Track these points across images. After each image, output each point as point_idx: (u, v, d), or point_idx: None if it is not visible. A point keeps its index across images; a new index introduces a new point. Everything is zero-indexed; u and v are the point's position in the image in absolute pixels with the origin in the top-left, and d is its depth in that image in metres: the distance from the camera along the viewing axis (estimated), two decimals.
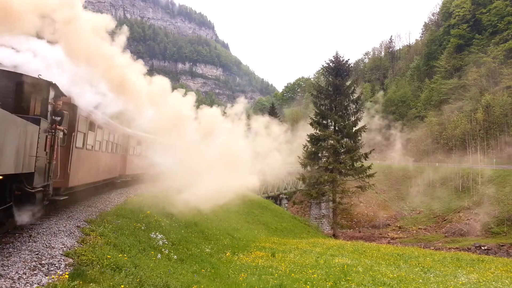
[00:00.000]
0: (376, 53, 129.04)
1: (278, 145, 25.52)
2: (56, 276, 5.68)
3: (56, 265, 6.18)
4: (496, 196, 49.45)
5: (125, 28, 13.30)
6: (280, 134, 26.21)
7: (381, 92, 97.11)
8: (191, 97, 19.11)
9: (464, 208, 50.94)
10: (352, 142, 39.20)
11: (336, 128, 39.73)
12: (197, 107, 19.91)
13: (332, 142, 38.62)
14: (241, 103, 25.09)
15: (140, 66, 14.54)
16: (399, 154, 71.69)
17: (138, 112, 16.19)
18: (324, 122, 40.34)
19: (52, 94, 8.86)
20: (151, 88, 15.26)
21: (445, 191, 57.24)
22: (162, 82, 16.39)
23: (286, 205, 56.81)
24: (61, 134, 9.98)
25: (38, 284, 5.28)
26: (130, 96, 13.62)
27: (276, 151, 24.73)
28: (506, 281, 13.52)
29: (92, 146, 13.76)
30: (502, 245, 39.86)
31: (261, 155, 23.42)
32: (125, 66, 13.31)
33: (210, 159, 19.02)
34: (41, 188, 8.14)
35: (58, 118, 9.26)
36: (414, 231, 50.42)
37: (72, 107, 11.54)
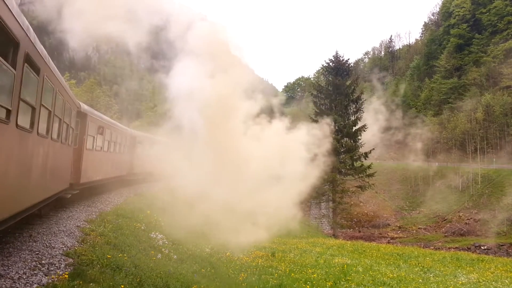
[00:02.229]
0: (376, 53, 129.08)
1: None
2: (56, 276, 5.68)
3: (56, 265, 6.18)
4: (495, 195, 49.46)
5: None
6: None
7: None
8: (281, 123, 19.80)
9: (464, 208, 50.96)
10: (352, 141, 39.22)
11: (336, 128, 39.76)
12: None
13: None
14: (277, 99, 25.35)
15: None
16: (399, 154, 71.65)
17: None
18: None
19: None
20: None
21: (445, 190, 57.22)
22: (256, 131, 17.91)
23: None
24: None
25: (38, 284, 5.27)
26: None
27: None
28: (506, 281, 13.54)
29: (33, 125, 6.60)
30: (502, 245, 39.84)
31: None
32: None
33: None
34: None
35: None
36: (414, 230, 50.40)
37: None
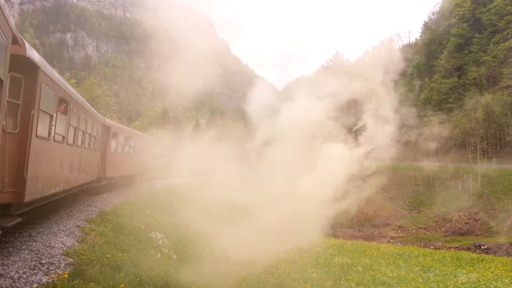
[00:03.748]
0: (376, 52, 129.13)
1: None
2: (56, 275, 5.68)
3: (56, 265, 6.18)
4: (495, 195, 49.45)
5: None
6: None
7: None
8: (343, 145, 19.99)
9: (464, 207, 50.94)
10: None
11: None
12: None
13: None
14: None
15: None
16: (399, 153, 71.49)
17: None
18: None
19: None
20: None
21: (445, 190, 57.22)
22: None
23: None
24: None
25: (38, 283, 5.27)
26: None
27: None
28: (506, 280, 13.54)
29: None
30: (502, 245, 39.79)
31: None
32: None
33: None
34: None
35: None
36: (414, 230, 50.36)
37: None
